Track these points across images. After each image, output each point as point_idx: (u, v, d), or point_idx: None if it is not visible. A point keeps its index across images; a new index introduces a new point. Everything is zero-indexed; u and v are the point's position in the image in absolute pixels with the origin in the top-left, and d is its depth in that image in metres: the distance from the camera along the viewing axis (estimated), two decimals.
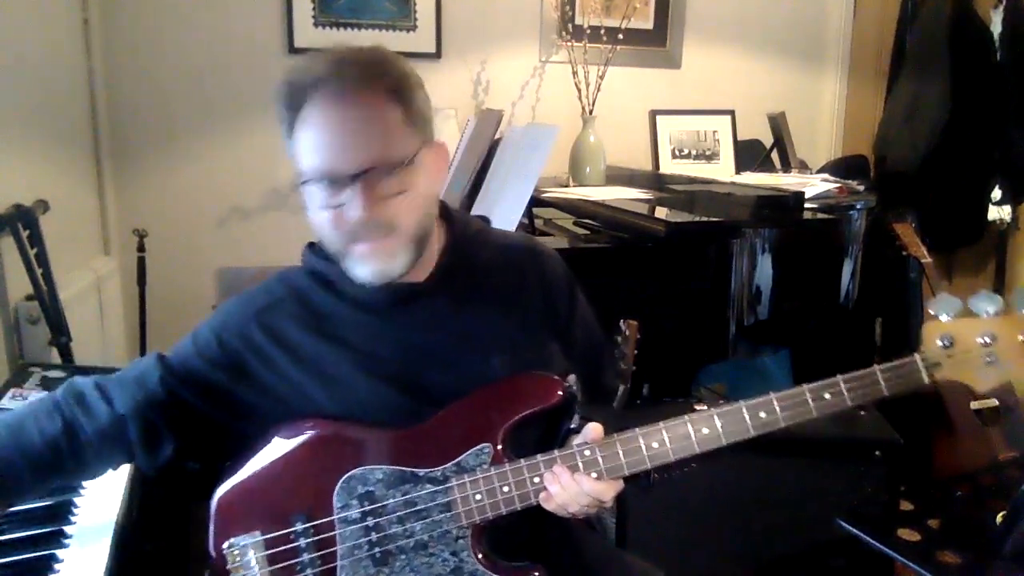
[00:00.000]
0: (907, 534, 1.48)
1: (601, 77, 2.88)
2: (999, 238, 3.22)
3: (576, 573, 1.17)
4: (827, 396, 0.99)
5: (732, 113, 3.02)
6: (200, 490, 1.09)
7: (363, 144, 0.98)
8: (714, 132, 3.01)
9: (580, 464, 1.00)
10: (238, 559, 1.03)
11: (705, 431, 1.00)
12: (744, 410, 0.99)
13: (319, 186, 0.99)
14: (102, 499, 1.25)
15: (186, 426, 1.09)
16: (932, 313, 0.99)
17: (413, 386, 1.05)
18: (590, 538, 1.25)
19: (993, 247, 3.27)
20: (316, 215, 1.02)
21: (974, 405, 2.21)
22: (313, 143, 0.99)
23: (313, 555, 1.04)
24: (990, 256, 3.30)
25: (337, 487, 1.03)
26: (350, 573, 1.04)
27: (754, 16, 3.50)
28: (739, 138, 3.03)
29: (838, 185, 2.54)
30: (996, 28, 3.08)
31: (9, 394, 1.54)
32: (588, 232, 2.19)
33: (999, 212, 3.15)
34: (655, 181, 2.72)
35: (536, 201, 2.24)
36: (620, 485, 1.02)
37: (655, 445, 1.00)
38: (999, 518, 1.47)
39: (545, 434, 1.09)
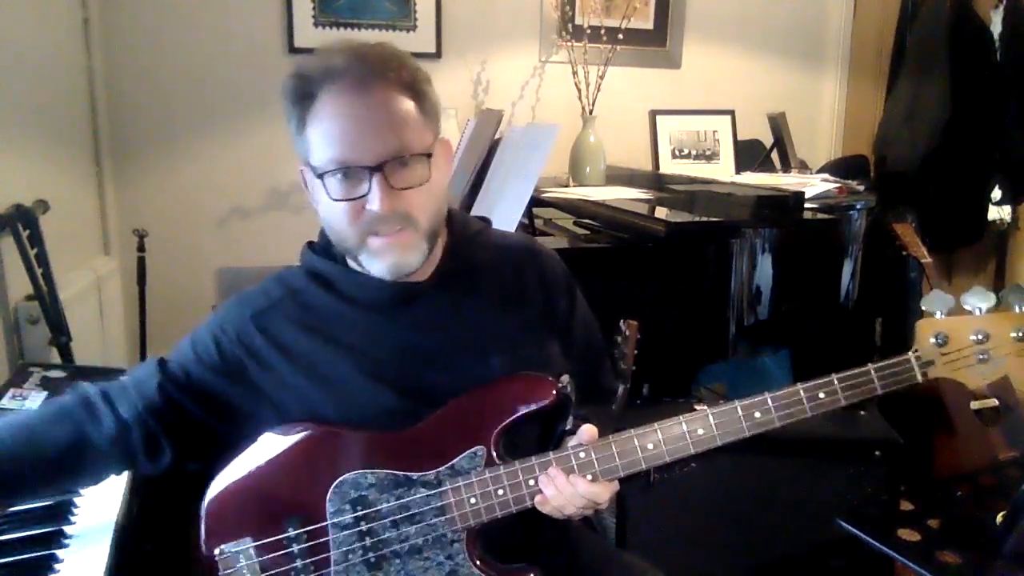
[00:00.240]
0: (907, 534, 1.48)
1: (601, 77, 2.88)
2: (999, 238, 3.23)
3: (574, 574, 1.16)
4: (821, 395, 0.98)
5: (732, 113, 3.02)
6: (201, 490, 1.09)
7: (382, 136, 0.97)
8: (714, 132, 3.00)
9: (575, 466, 0.99)
10: (229, 566, 1.02)
11: (700, 431, 0.99)
12: (739, 410, 0.99)
13: (336, 179, 0.98)
14: (102, 499, 1.25)
15: (184, 433, 1.08)
16: (926, 310, 0.99)
17: (412, 387, 1.04)
18: (588, 539, 1.25)
19: (993, 247, 3.27)
20: (330, 208, 1.00)
21: (974, 405, 2.21)
22: (330, 135, 0.97)
23: (306, 561, 1.02)
24: (990, 256, 3.30)
25: (329, 492, 1.02)
26: None
27: (754, 16, 3.50)
28: (739, 138, 3.03)
29: (838, 185, 2.54)
30: (996, 28, 3.08)
31: (9, 394, 1.54)
32: (588, 232, 2.19)
33: (999, 212, 3.16)
34: (655, 181, 2.72)
35: (536, 201, 2.24)
36: (616, 486, 1.01)
37: (650, 446, 0.99)
38: (999, 518, 1.47)
39: (540, 435, 1.09)
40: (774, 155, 3.09)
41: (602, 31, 2.99)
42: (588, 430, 1.01)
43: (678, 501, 1.77)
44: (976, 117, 3.01)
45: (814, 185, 2.51)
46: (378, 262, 1.01)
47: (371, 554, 1.02)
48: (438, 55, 3.10)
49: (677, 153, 2.97)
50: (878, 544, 1.44)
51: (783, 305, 2.10)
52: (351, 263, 1.07)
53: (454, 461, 1.02)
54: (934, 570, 1.36)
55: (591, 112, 2.85)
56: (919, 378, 0.98)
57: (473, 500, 1.00)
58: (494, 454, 1.01)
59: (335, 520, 1.02)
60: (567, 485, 0.98)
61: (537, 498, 1.00)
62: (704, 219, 2.10)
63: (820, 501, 1.79)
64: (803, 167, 3.08)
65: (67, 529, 1.16)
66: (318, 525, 1.02)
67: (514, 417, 1.02)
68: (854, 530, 1.49)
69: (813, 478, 1.81)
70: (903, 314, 2.54)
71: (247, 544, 1.03)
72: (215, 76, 2.92)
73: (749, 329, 2.06)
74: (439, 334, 1.07)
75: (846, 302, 2.26)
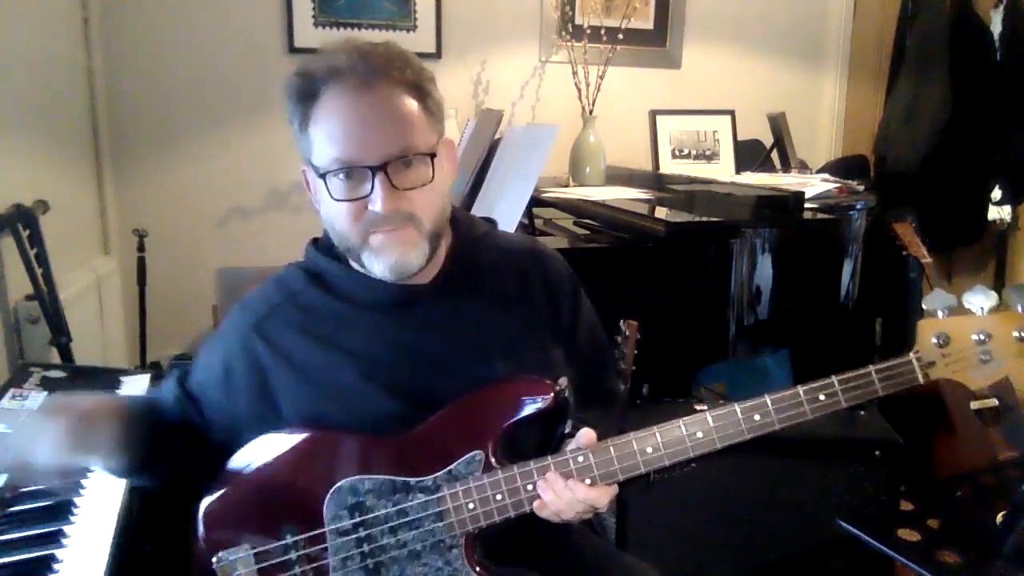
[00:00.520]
0: (907, 534, 1.48)
1: (601, 77, 2.88)
2: (999, 238, 3.23)
3: None
4: (822, 397, 0.97)
5: (732, 113, 3.02)
6: (199, 491, 1.09)
7: (386, 135, 0.96)
8: (714, 132, 3.00)
9: (573, 470, 0.98)
10: (228, 574, 1.02)
11: (699, 434, 0.98)
12: (738, 412, 0.98)
13: (338, 178, 0.97)
14: (102, 499, 1.25)
15: (188, 449, 1.10)
16: (927, 309, 0.98)
17: (414, 391, 1.03)
18: (589, 541, 1.24)
19: (993, 247, 3.27)
20: (332, 207, 1.00)
21: (974, 405, 2.21)
22: (333, 134, 0.97)
23: (304, 568, 1.02)
24: (990, 256, 3.30)
25: (327, 498, 1.01)
26: None
27: (754, 16, 3.50)
28: (739, 138, 3.03)
29: (838, 185, 2.54)
30: (996, 28, 3.08)
31: (9, 394, 1.54)
32: (588, 232, 2.19)
33: (999, 212, 3.16)
34: (655, 181, 2.72)
35: (536, 201, 2.24)
36: (615, 490, 1.00)
37: (649, 450, 0.98)
38: (999, 518, 1.47)
39: (539, 439, 1.08)
40: (774, 155, 3.08)
41: (602, 31, 2.99)
42: (587, 434, 1.00)
43: (678, 501, 1.77)
44: (976, 117, 3.02)
45: (814, 185, 2.51)
46: (380, 261, 1.00)
47: (369, 560, 1.01)
48: (438, 55, 3.10)
49: (677, 153, 2.97)
50: (878, 544, 1.44)
51: (783, 305, 2.10)
52: (354, 264, 1.06)
53: (452, 466, 1.01)
54: (934, 570, 1.36)
55: (591, 112, 2.85)
56: (921, 379, 0.97)
57: (471, 505, 1.00)
58: (492, 459, 1.00)
59: (333, 526, 1.01)
60: (565, 490, 0.97)
61: (535, 503, 0.99)
62: (704, 219, 2.10)
63: (820, 501, 1.79)
64: (803, 167, 3.08)
65: (67, 529, 1.16)
66: (316, 532, 1.01)
67: (512, 421, 1.01)
68: (854, 530, 1.49)
69: (813, 478, 1.81)
70: (903, 314, 2.54)
71: (245, 551, 1.02)
72: (215, 76, 2.92)
73: (749, 329, 2.05)
74: (442, 337, 1.06)
75: (846, 302, 2.26)
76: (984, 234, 3.19)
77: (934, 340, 0.97)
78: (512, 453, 1.02)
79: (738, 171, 2.96)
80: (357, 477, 1.01)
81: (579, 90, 2.88)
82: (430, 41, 3.08)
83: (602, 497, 0.98)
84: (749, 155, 3.07)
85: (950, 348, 0.97)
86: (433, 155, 1.00)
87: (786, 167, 3.04)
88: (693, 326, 1.96)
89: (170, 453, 1.09)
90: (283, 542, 1.02)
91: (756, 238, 2.03)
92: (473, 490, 1.00)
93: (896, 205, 2.85)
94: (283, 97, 1.01)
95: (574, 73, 2.88)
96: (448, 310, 1.07)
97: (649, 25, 3.36)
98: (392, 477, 1.01)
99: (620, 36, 2.94)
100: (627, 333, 1.56)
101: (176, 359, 2.86)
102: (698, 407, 1.06)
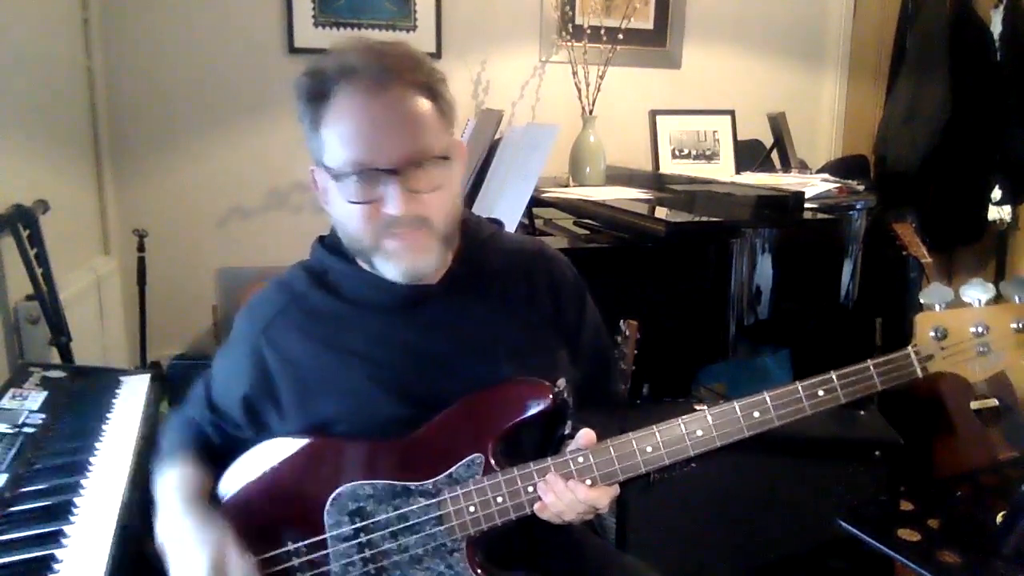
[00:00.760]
0: (907, 534, 1.47)
1: (601, 77, 2.88)
2: (999, 238, 3.22)
3: None
4: (821, 393, 0.97)
5: (732, 113, 3.02)
6: None
7: (402, 137, 0.95)
8: (714, 132, 3.00)
9: (574, 471, 0.98)
10: None
11: (699, 433, 0.98)
12: (737, 409, 0.98)
13: (352, 180, 0.96)
14: (102, 499, 1.25)
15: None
16: (924, 303, 0.98)
17: (419, 392, 1.03)
18: (589, 542, 1.23)
19: (993, 247, 3.27)
20: (344, 209, 0.99)
21: (974, 405, 2.21)
22: (347, 136, 0.95)
23: (307, 574, 1.02)
24: (990, 256, 3.30)
25: (327, 504, 1.01)
26: None
27: (754, 16, 3.50)
28: (739, 138, 3.03)
29: (838, 185, 2.54)
30: (996, 28, 3.08)
31: (9, 394, 1.54)
32: (588, 232, 2.19)
33: (999, 212, 3.15)
34: (655, 181, 2.72)
35: (536, 201, 2.24)
36: (615, 491, 1.00)
37: (648, 449, 0.98)
38: (999, 518, 1.46)
39: (539, 440, 1.07)
40: (774, 155, 3.09)
41: (602, 31, 2.99)
42: (586, 434, 1.00)
43: (678, 501, 1.77)
44: (976, 117, 3.01)
45: (814, 185, 2.51)
46: (392, 266, 1.00)
47: (371, 566, 1.01)
48: (438, 55, 3.10)
49: (677, 153, 2.97)
50: (878, 544, 1.44)
51: (783, 305, 2.10)
52: (362, 263, 1.05)
53: (452, 469, 1.00)
54: (934, 570, 1.36)
55: (591, 112, 2.85)
56: (919, 373, 0.97)
57: (472, 508, 0.99)
58: (492, 461, 1.00)
59: (334, 532, 1.01)
60: (566, 491, 0.97)
61: (536, 505, 0.99)
62: (704, 219, 2.10)
63: (820, 501, 1.79)
64: (803, 167, 3.08)
65: (67, 529, 1.16)
66: (317, 538, 1.01)
67: (511, 423, 1.00)
68: (854, 530, 1.48)
69: (813, 478, 1.81)
70: (903, 314, 2.53)
71: (249, 561, 1.01)
72: (215, 76, 2.92)
73: (749, 329, 2.06)
74: (448, 338, 1.06)
75: (846, 302, 2.26)
76: (984, 234, 3.19)
77: (932, 333, 0.96)
78: (512, 455, 1.02)
79: (738, 171, 2.96)
80: (357, 483, 1.01)
81: (579, 90, 2.88)
82: (430, 41, 3.08)
83: (603, 497, 0.98)
84: (749, 155, 3.07)
85: (948, 341, 0.96)
86: (446, 157, 0.99)
87: (786, 167, 3.04)
88: (693, 326, 1.96)
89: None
90: (285, 549, 1.02)
91: (756, 238, 2.03)
92: (473, 493, 0.99)
93: (896, 205, 2.85)
94: (292, 97, 1.00)
95: (574, 73, 2.88)
96: (455, 311, 1.06)
97: (649, 25, 3.36)
98: (392, 482, 1.01)
99: (620, 36, 2.94)
100: (627, 333, 1.56)
101: (176, 359, 2.86)
102: (698, 407, 1.06)
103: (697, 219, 2.12)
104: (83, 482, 1.29)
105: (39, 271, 1.95)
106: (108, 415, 1.56)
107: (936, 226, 2.96)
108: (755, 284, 2.05)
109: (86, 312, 2.38)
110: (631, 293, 1.84)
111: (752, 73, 3.51)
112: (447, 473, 1.00)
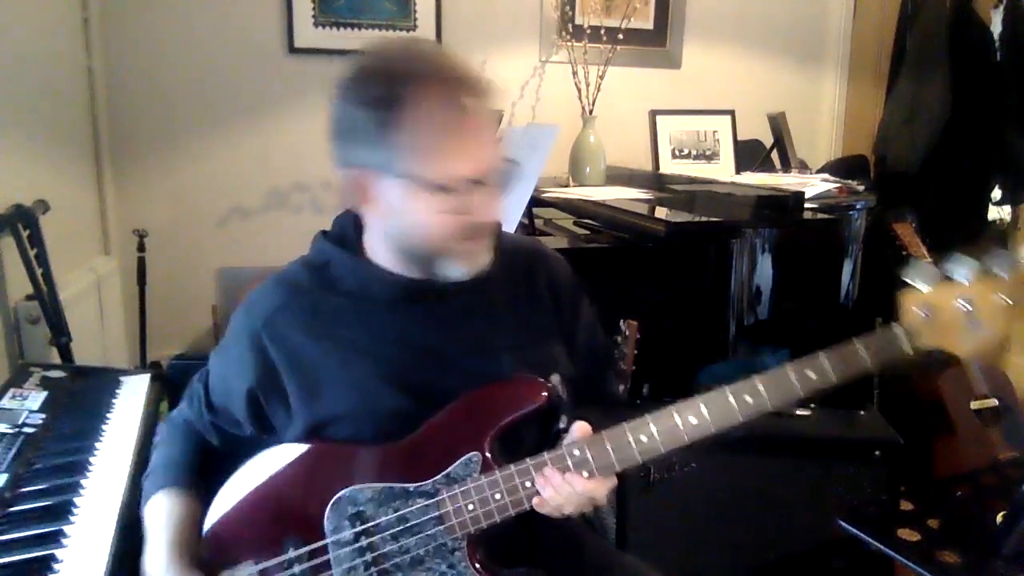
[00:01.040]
0: (907, 534, 1.48)
1: (601, 77, 2.88)
2: (999, 238, 3.22)
3: None
4: (810, 373, 0.97)
5: (732, 113, 3.02)
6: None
7: (495, 145, 0.98)
8: (714, 132, 3.01)
9: (570, 464, 0.98)
10: None
11: (693, 420, 0.98)
12: (729, 395, 0.98)
13: (458, 193, 0.96)
14: (102, 499, 1.25)
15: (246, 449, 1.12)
16: (908, 281, 0.98)
17: (421, 388, 1.03)
18: (590, 540, 1.23)
19: (993, 247, 3.27)
20: (424, 218, 0.97)
21: (974, 405, 2.21)
22: (451, 148, 0.95)
23: None
24: None
25: (327, 509, 1.01)
26: None
27: (754, 16, 3.50)
28: (739, 138, 3.03)
29: (838, 185, 2.54)
30: (996, 28, 3.08)
31: (9, 394, 1.54)
32: (588, 232, 2.19)
33: (999, 212, 3.16)
34: (655, 181, 2.72)
35: (536, 201, 2.24)
36: (613, 482, 1.00)
37: (643, 439, 0.98)
38: (999, 518, 1.47)
39: (535, 436, 1.07)
40: (774, 155, 3.09)
41: (602, 31, 2.99)
42: (580, 427, 1.00)
43: (678, 501, 1.77)
44: (976, 117, 3.01)
45: (814, 185, 2.51)
46: (464, 265, 1.01)
47: (373, 569, 1.01)
48: None
49: (677, 153, 2.97)
50: (878, 544, 1.44)
51: (783, 305, 2.10)
52: (372, 259, 1.06)
53: (450, 469, 1.00)
54: (934, 570, 1.36)
55: (591, 112, 2.86)
56: (908, 349, 0.97)
57: (471, 507, 0.99)
58: (489, 459, 1.00)
59: (335, 537, 1.01)
60: (564, 484, 0.97)
61: (535, 500, 0.99)
62: (704, 219, 2.11)
63: (820, 501, 1.79)
64: (803, 167, 3.08)
65: (67, 529, 1.16)
66: (318, 544, 1.01)
67: (506, 421, 1.01)
68: (854, 530, 1.49)
69: (813, 478, 1.81)
70: None
71: (250, 569, 1.02)
72: (215, 76, 2.92)
73: (749, 329, 2.06)
74: (448, 333, 1.06)
75: (846, 302, 2.26)
76: (984, 234, 3.19)
77: (916, 310, 0.96)
78: (509, 452, 1.02)
79: (738, 171, 2.96)
80: (356, 487, 1.01)
81: (579, 90, 2.88)
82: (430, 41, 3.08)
83: (601, 489, 0.98)
84: (749, 155, 3.07)
85: (934, 317, 0.96)
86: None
87: (786, 167, 3.04)
88: (693, 326, 1.97)
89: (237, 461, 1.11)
90: (287, 556, 1.02)
91: (756, 238, 2.03)
92: (472, 491, 0.99)
93: (896, 205, 2.85)
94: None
95: (574, 73, 2.88)
96: (456, 307, 1.07)
97: (649, 25, 3.36)
98: (391, 484, 1.01)
99: (620, 36, 2.94)
100: (627, 333, 1.56)
101: (176, 359, 2.86)
102: None
103: (697, 219, 2.12)
104: (83, 482, 1.29)
105: (39, 271, 1.95)
106: (108, 415, 1.56)
107: (936, 226, 2.95)
108: (755, 284, 2.05)
109: (86, 312, 2.38)
110: (631, 293, 1.84)
111: (752, 73, 3.51)
112: (445, 472, 1.00)
